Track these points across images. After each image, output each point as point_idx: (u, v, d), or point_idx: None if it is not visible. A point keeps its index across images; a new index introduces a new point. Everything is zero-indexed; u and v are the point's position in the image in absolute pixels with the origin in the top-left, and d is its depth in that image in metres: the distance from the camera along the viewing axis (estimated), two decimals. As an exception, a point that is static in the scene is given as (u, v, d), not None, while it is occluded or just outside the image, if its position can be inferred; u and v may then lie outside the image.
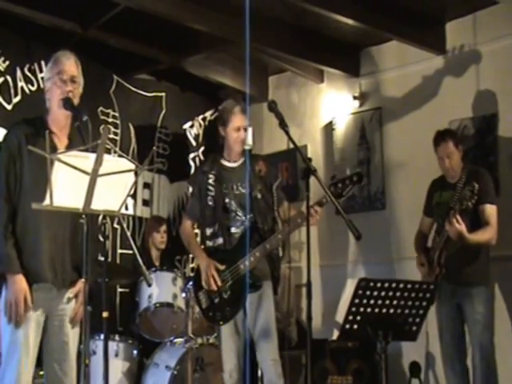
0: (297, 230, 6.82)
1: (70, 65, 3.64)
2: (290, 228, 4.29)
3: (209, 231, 4.42)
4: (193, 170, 4.61)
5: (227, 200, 4.39)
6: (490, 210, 4.88)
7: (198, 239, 4.68)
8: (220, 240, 4.37)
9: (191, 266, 6.99)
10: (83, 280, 3.27)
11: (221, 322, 4.32)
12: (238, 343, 4.34)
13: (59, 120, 3.64)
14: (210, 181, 4.42)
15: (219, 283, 4.28)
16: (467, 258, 4.86)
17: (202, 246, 4.53)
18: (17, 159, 3.54)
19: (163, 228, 6.27)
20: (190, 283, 5.40)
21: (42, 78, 3.77)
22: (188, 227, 4.60)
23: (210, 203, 4.40)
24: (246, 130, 4.33)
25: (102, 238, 5.83)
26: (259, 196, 4.41)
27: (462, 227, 4.70)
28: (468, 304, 4.86)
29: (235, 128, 4.40)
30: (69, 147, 3.58)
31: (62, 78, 3.59)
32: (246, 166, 4.44)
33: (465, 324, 4.93)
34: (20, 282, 3.48)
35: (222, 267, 4.32)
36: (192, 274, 4.64)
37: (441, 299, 4.87)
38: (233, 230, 4.38)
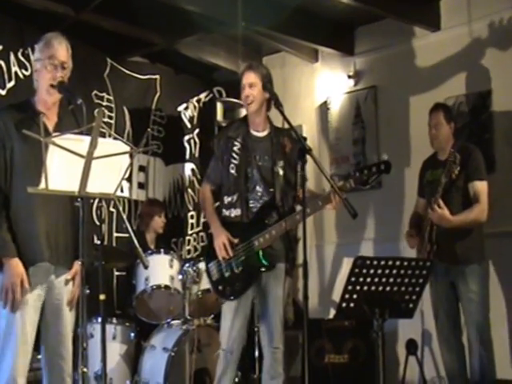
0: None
1: (62, 49, 3.63)
2: (310, 210, 4.04)
3: (227, 200, 4.26)
4: (217, 133, 4.33)
5: (249, 170, 4.24)
6: (480, 187, 4.83)
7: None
8: (238, 211, 4.21)
9: (187, 248, 7.03)
10: (79, 262, 3.27)
11: (231, 297, 4.18)
12: (241, 322, 4.20)
13: (46, 101, 3.63)
14: (236, 148, 4.25)
15: (231, 253, 4.14)
16: (459, 235, 4.81)
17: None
18: (6, 144, 3.53)
19: (164, 212, 6.31)
20: (187, 265, 5.42)
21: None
22: (207, 192, 4.37)
23: (232, 171, 4.24)
24: (250, 86, 4.22)
25: (97, 222, 5.88)
26: (281, 172, 4.24)
27: (443, 211, 4.69)
28: (462, 282, 4.84)
29: (242, 88, 4.29)
30: (58, 126, 3.59)
31: (53, 62, 3.58)
32: (271, 138, 4.30)
33: (459, 302, 4.92)
34: (16, 265, 3.47)
35: (235, 241, 4.17)
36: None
37: (434, 278, 4.82)
38: (251, 202, 4.23)
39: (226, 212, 4.28)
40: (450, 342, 4.96)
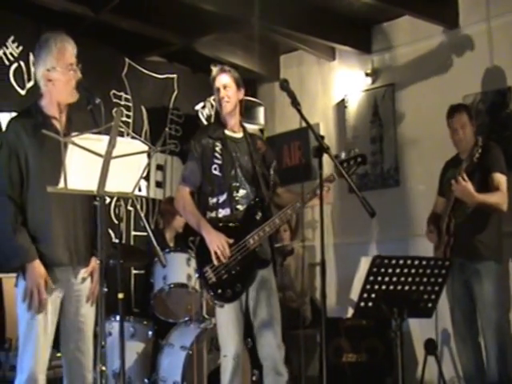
0: (310, 209, 6.90)
1: (73, 50, 3.64)
2: (300, 204, 4.12)
3: (211, 201, 4.22)
4: (196, 135, 4.30)
5: (233, 170, 4.24)
6: (500, 179, 4.83)
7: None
8: (227, 211, 4.19)
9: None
10: (97, 260, 3.28)
11: (231, 300, 4.12)
12: (240, 325, 4.16)
13: (62, 103, 3.63)
14: (217, 148, 4.25)
15: (229, 254, 4.07)
16: (477, 229, 4.80)
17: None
18: (19, 152, 3.54)
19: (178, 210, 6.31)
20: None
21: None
22: (186, 194, 4.27)
23: (216, 172, 4.22)
24: (225, 87, 4.28)
25: (116, 220, 5.90)
26: (261, 172, 4.30)
27: (468, 184, 4.66)
28: (476, 282, 4.81)
29: (215, 90, 4.34)
30: (68, 126, 3.59)
31: (72, 68, 3.59)
32: (247, 139, 4.36)
33: (475, 301, 4.88)
34: (38, 267, 3.50)
35: (231, 241, 4.10)
36: (194, 249, 4.31)
37: (450, 276, 4.76)
38: (238, 202, 4.21)
39: (211, 214, 4.23)
40: (466, 342, 4.94)
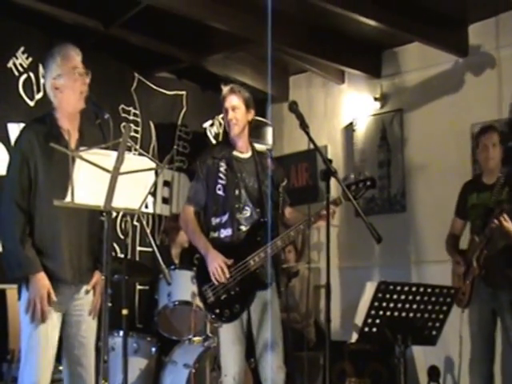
0: (316, 231, 6.87)
1: (79, 57, 3.65)
2: (303, 226, 4.12)
3: (215, 221, 4.21)
4: (201, 155, 4.30)
5: (237, 190, 4.21)
6: None
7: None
8: (229, 231, 4.17)
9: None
10: (100, 274, 3.26)
11: (229, 320, 4.10)
12: (241, 345, 4.15)
13: (73, 114, 3.65)
14: (222, 169, 4.23)
15: (228, 276, 4.06)
16: (508, 259, 4.80)
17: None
18: (30, 161, 3.53)
19: (183, 229, 6.30)
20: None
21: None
22: (190, 214, 4.29)
23: (220, 192, 4.21)
24: (233, 109, 4.26)
25: (121, 235, 5.89)
26: (268, 193, 4.27)
27: (509, 225, 4.66)
28: (507, 309, 4.81)
29: (225, 110, 4.31)
30: (80, 141, 3.59)
31: (79, 71, 3.60)
32: (255, 159, 4.33)
33: (503, 330, 4.89)
34: (42, 279, 3.49)
35: (229, 262, 4.09)
36: (195, 268, 4.32)
37: (477, 302, 4.85)
38: (241, 222, 4.19)
39: (214, 234, 4.23)
40: (481, 368, 4.91)
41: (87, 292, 3.67)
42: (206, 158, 4.31)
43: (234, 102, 4.29)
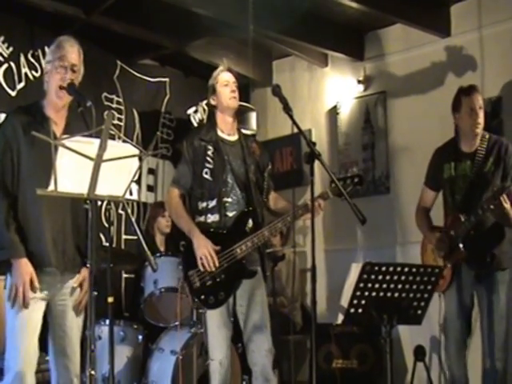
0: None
1: (73, 52, 3.64)
2: (291, 218, 4.09)
3: (201, 205, 4.18)
4: (188, 136, 4.25)
5: (224, 175, 4.18)
6: None
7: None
8: (216, 217, 4.14)
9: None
10: (87, 267, 3.27)
11: (214, 306, 4.09)
12: (228, 330, 4.14)
13: (55, 104, 3.65)
14: (209, 152, 4.19)
15: (217, 264, 4.04)
16: (492, 239, 4.48)
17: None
18: (13, 147, 3.54)
19: (167, 212, 6.30)
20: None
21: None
22: (176, 197, 4.23)
23: (207, 176, 4.17)
24: (237, 86, 4.25)
25: (106, 224, 5.87)
26: (254, 178, 4.24)
27: (509, 206, 4.29)
28: (490, 291, 4.48)
29: (223, 83, 4.24)
30: (66, 131, 3.59)
31: (63, 64, 3.60)
32: (241, 142, 4.30)
33: (481, 312, 4.56)
34: (25, 265, 3.49)
35: (217, 248, 4.06)
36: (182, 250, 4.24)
37: (458, 284, 4.52)
38: (228, 208, 4.15)
39: (200, 218, 4.19)
40: (461, 350, 4.64)
41: (74, 289, 3.67)
42: (192, 140, 4.25)
43: (232, 78, 4.27)
